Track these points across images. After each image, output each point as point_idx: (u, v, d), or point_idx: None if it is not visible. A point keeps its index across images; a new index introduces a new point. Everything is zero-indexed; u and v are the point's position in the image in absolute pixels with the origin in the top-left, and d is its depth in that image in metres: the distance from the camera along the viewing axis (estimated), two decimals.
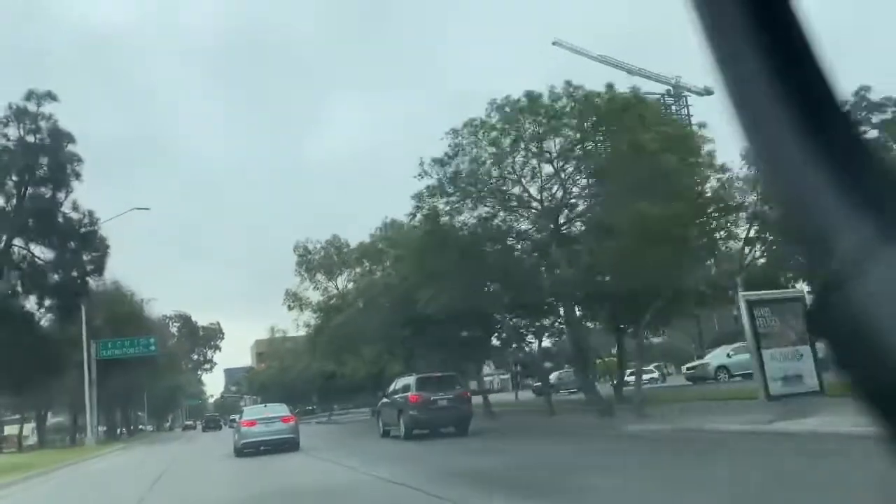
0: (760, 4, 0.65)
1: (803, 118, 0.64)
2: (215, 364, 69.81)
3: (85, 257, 36.40)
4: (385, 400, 25.98)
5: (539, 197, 23.03)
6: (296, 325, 45.51)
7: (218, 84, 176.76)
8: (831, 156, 0.62)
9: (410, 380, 23.67)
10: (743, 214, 22.55)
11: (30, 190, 33.57)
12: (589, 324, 30.39)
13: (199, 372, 73.92)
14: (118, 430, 59.03)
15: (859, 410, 0.58)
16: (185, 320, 63.68)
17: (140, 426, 78.64)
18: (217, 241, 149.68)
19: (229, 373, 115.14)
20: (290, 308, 45.27)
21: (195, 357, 67.42)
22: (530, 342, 32.06)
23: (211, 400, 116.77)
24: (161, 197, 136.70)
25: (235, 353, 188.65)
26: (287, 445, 20.40)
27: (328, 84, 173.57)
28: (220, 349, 67.79)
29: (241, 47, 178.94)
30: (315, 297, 44.08)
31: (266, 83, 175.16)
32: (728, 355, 31.61)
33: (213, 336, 67.77)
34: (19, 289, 34.89)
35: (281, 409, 23.34)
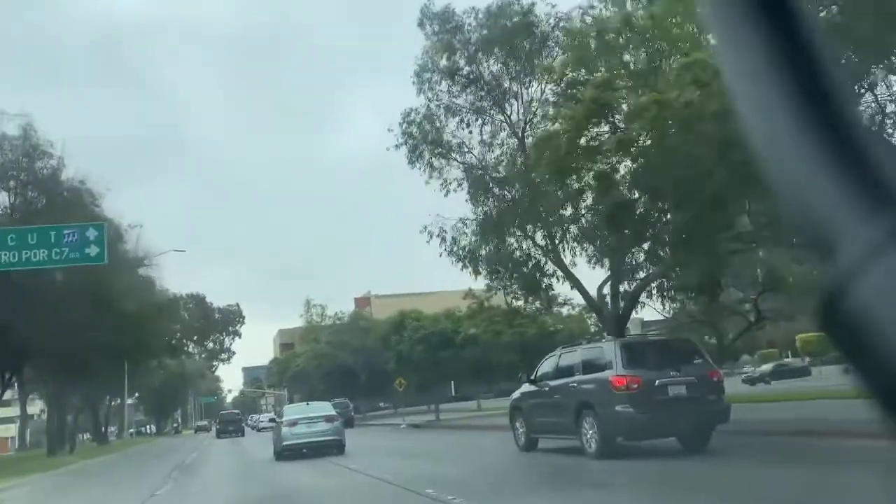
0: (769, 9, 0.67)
1: (811, 115, 0.64)
2: (234, 354, 59.30)
3: None
4: (529, 388, 15.64)
5: None
6: (440, 185, 20.76)
7: (238, 81, 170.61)
8: (839, 152, 0.63)
9: (609, 348, 13.19)
10: None
11: None
12: None
13: (215, 363, 63.21)
14: (70, 438, 39.83)
15: (872, 410, 0.60)
16: (199, 301, 53.51)
17: (131, 429, 67.99)
18: (235, 239, 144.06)
19: (248, 372, 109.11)
20: (415, 162, 20.87)
21: (210, 345, 57.22)
22: None
23: (228, 399, 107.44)
24: (179, 195, 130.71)
25: (254, 353, 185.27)
26: (331, 447, 19.26)
27: (349, 78, 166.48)
28: (239, 336, 57.48)
29: (262, 44, 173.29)
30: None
31: (288, 79, 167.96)
32: None
33: (231, 320, 57.46)
34: None
35: (324, 408, 21.80)
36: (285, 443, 19.34)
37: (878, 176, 0.60)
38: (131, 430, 77.71)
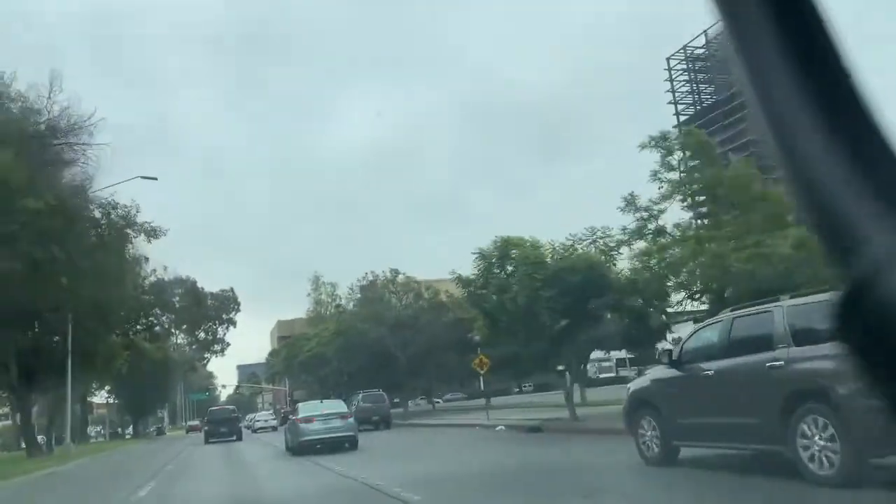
0: (785, 10, 0.67)
1: (831, 121, 0.65)
2: (228, 345, 53.72)
3: None
4: (666, 373, 10.81)
5: None
6: None
7: (231, 72, 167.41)
8: (859, 158, 0.64)
9: None
10: None
11: None
12: None
13: (207, 355, 57.60)
14: None
15: (887, 416, 0.60)
16: (189, 285, 48.32)
17: (106, 428, 60.48)
18: (230, 236, 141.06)
19: (243, 370, 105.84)
20: None
21: (202, 335, 52.04)
22: None
23: (223, 396, 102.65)
24: (175, 191, 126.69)
25: (249, 351, 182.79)
26: (345, 443, 20.67)
27: (344, 73, 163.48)
28: (234, 324, 52.18)
29: (254, 36, 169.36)
30: None
31: (284, 71, 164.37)
32: None
33: (225, 306, 52.17)
34: None
35: (338, 406, 23.44)
36: (302, 438, 20.64)
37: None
38: (119, 431, 71.83)
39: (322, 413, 21.45)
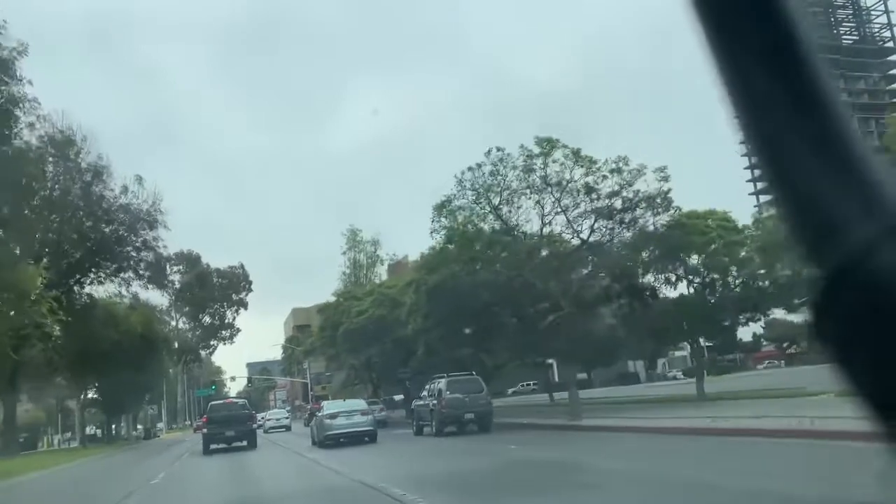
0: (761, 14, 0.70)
1: (807, 114, 0.67)
2: (238, 331, 46.43)
3: None
4: None
5: None
6: None
7: (235, 70, 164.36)
8: (836, 149, 0.66)
9: None
10: None
11: None
12: None
13: (213, 343, 50.01)
14: None
15: (862, 410, 0.60)
16: (192, 261, 41.38)
17: (76, 431, 51.56)
18: (233, 232, 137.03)
19: (253, 367, 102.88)
20: None
21: (207, 319, 44.99)
22: None
23: (232, 392, 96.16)
24: (177, 188, 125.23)
25: (258, 348, 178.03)
26: (365, 437, 22.68)
27: (349, 68, 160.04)
28: (245, 307, 44.98)
29: (260, 33, 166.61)
30: None
31: (287, 67, 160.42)
32: None
33: (234, 285, 44.84)
34: None
35: (359, 404, 25.43)
36: (327, 433, 22.89)
37: (875, 172, 0.62)
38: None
39: (345, 410, 23.94)
